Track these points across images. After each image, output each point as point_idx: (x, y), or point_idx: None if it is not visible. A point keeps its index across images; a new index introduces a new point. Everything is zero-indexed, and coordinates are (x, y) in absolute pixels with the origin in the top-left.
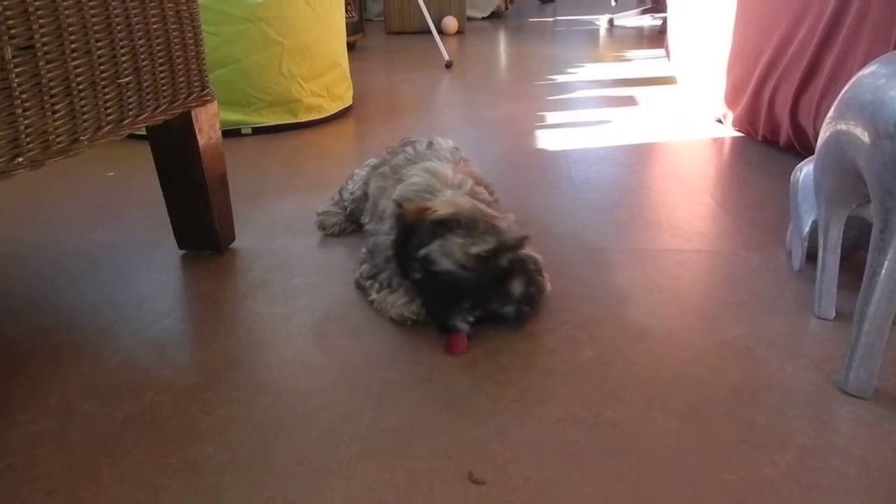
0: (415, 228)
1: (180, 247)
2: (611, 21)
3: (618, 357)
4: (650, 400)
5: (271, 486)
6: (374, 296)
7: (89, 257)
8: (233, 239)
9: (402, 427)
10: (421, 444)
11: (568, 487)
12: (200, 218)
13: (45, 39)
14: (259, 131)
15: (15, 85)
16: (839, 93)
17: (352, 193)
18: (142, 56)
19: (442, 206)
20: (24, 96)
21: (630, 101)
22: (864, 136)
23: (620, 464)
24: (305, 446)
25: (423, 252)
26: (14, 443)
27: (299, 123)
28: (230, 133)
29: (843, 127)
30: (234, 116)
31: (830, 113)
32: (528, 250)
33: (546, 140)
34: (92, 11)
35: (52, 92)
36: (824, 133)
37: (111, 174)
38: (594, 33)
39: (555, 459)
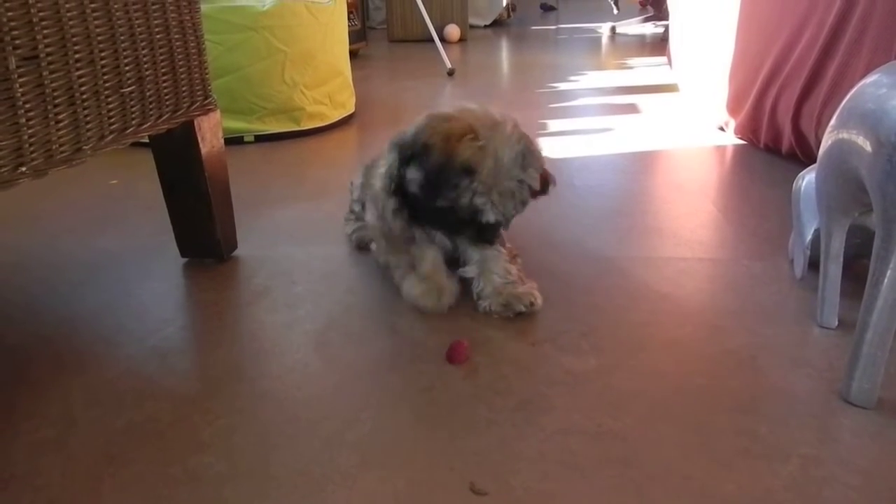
0: (443, 169)
1: (182, 255)
2: (613, 29)
3: (620, 366)
4: (652, 409)
5: (273, 495)
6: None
7: (91, 265)
8: (235, 247)
9: (404, 437)
10: (422, 454)
11: (570, 498)
12: (203, 226)
13: (49, 49)
14: (261, 139)
15: (19, 94)
16: (841, 101)
17: (359, 202)
18: (145, 65)
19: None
20: (27, 106)
21: (632, 108)
22: (867, 146)
23: (622, 475)
24: (307, 456)
25: (471, 202)
26: (16, 452)
27: (302, 131)
28: (233, 141)
29: (845, 136)
30: (236, 124)
31: (832, 122)
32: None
33: (548, 148)
34: (96, 22)
35: (56, 101)
36: (826, 142)
37: (114, 182)
38: (596, 41)
39: (556, 470)
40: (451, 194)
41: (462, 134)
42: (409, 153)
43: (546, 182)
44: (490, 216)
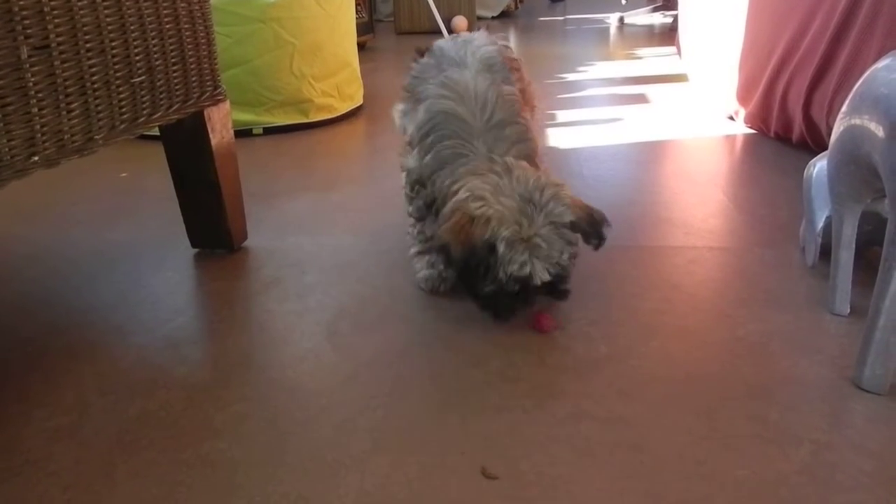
0: (470, 257)
1: (193, 246)
2: (621, 19)
3: (631, 354)
4: (663, 396)
5: (285, 480)
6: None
7: (103, 256)
8: (245, 238)
9: (415, 423)
10: (433, 440)
11: (581, 483)
12: (213, 217)
13: (60, 39)
14: (270, 131)
15: (31, 84)
16: (853, 88)
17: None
18: (155, 56)
19: (476, 205)
20: (39, 95)
21: (641, 98)
22: (879, 131)
23: (633, 460)
24: (318, 442)
25: (508, 273)
26: (31, 439)
27: (310, 123)
28: (241, 133)
29: (857, 121)
30: (245, 116)
31: (844, 108)
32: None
33: (557, 138)
34: (106, 11)
35: (68, 91)
36: (838, 128)
37: (124, 174)
38: (604, 31)
39: (567, 455)
40: (489, 277)
41: (467, 221)
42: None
43: (594, 221)
44: (542, 275)
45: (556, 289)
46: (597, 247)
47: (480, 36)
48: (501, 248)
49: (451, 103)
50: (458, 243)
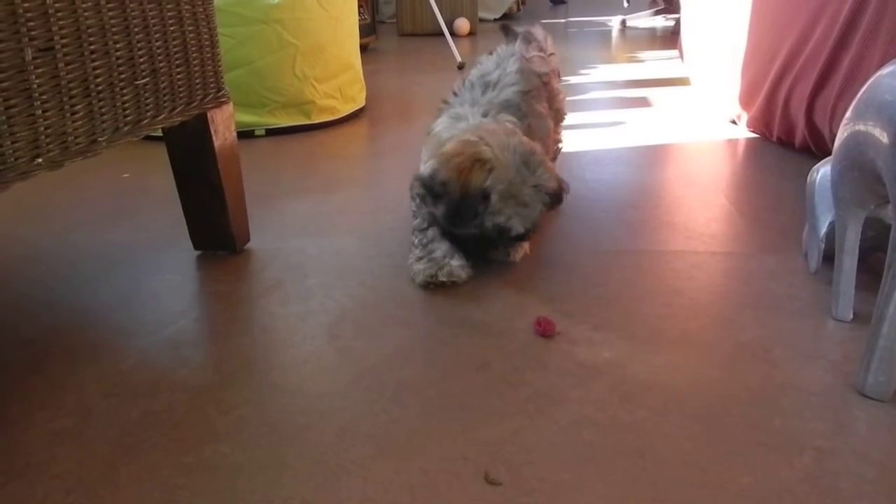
0: (464, 199)
1: (195, 247)
2: (623, 22)
3: (633, 359)
4: (666, 402)
5: (287, 485)
6: (410, 261)
7: (105, 258)
8: (247, 240)
9: (418, 428)
10: (436, 445)
11: (584, 489)
12: (215, 219)
13: (64, 41)
14: (272, 133)
15: (35, 86)
16: (856, 93)
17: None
18: (159, 58)
19: (471, 148)
20: (43, 97)
21: (643, 102)
22: (883, 137)
23: (636, 466)
24: (321, 446)
25: (494, 223)
26: (32, 441)
27: (312, 125)
28: (244, 134)
29: (861, 127)
30: (247, 118)
31: (848, 114)
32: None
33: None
34: (110, 13)
35: (72, 93)
36: (842, 134)
37: (126, 175)
38: (607, 34)
39: (570, 461)
40: (475, 222)
41: (472, 164)
42: (433, 192)
43: (559, 188)
44: (518, 228)
45: (522, 238)
46: (551, 208)
47: (514, 63)
48: (494, 198)
49: (450, 120)
50: (458, 183)
